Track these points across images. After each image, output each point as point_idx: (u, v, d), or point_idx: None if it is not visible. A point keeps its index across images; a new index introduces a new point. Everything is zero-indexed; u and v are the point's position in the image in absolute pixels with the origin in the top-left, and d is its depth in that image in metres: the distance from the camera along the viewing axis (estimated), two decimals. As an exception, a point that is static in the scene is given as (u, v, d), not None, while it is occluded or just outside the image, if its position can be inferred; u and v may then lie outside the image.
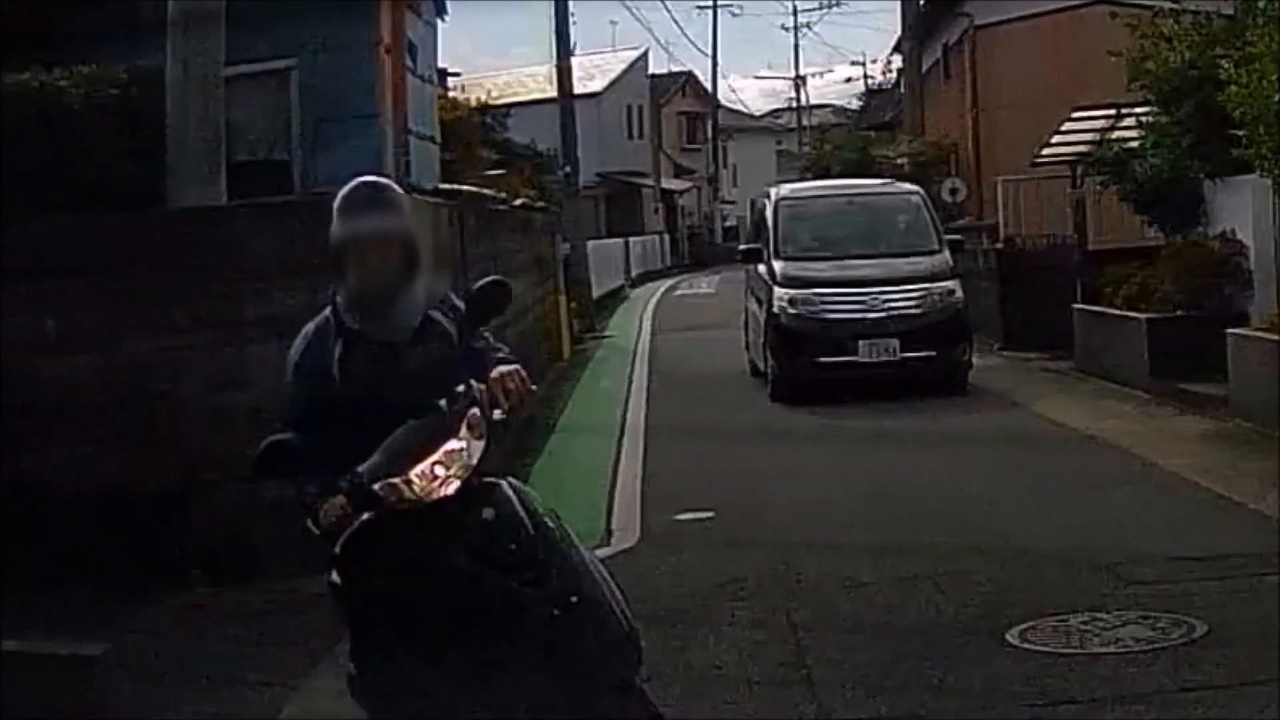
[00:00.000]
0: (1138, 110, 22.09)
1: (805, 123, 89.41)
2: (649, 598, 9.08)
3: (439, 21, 25.53)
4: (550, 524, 5.76)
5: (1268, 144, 15.68)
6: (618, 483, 15.01)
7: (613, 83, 74.36)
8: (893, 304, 20.39)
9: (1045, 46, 33.78)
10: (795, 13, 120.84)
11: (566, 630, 5.50)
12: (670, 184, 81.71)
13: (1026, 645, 8.58)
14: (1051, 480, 13.97)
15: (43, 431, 10.90)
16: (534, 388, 5.98)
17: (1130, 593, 9.48)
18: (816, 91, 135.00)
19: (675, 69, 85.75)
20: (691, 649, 8.73)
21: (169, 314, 11.17)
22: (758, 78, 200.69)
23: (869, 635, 9.10)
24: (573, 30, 39.81)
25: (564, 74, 39.43)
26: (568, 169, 40.03)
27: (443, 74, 34.32)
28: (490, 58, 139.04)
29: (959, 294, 20.92)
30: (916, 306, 20.43)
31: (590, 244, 42.82)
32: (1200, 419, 16.90)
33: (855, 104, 78.04)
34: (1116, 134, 23.43)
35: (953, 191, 34.55)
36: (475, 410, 5.65)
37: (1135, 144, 22.20)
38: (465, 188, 21.77)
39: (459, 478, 5.58)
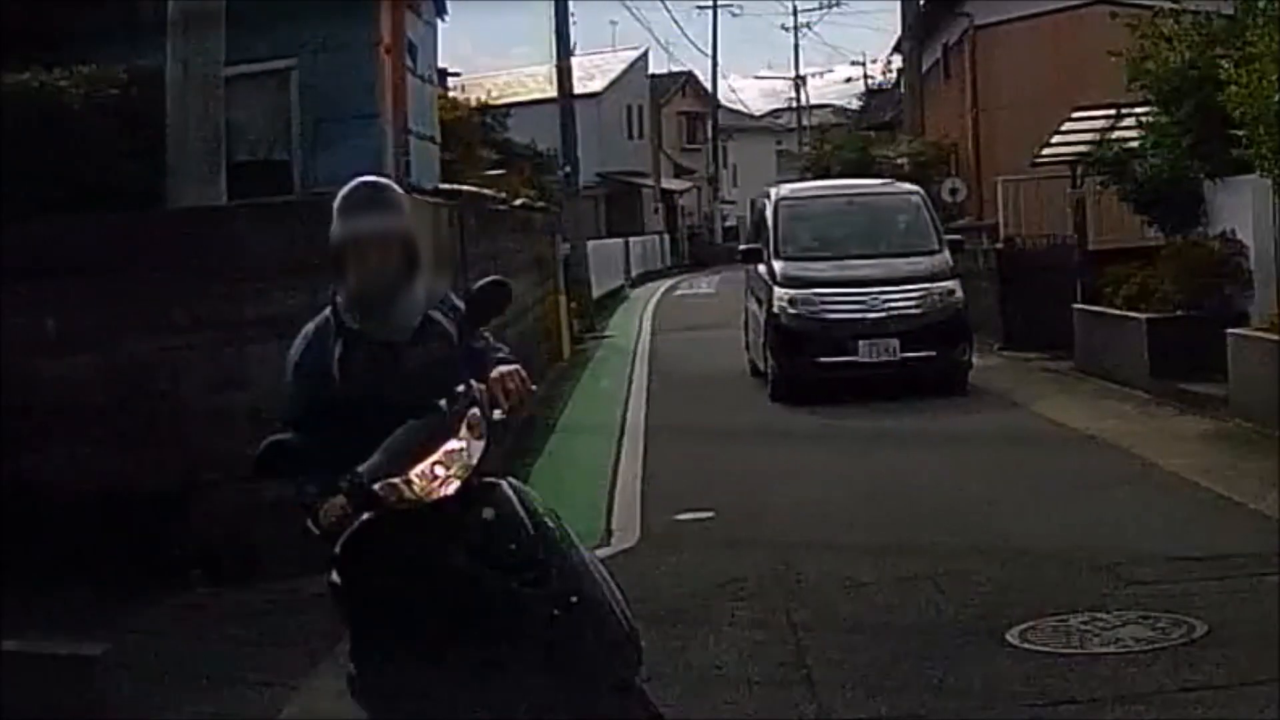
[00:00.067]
0: (1138, 110, 22.11)
1: (805, 123, 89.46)
2: (649, 598, 9.08)
3: (439, 21, 25.54)
4: (550, 524, 5.76)
5: (1268, 144, 15.69)
6: (618, 483, 15.01)
7: (613, 83, 74.40)
8: (893, 304, 20.38)
9: (1045, 46, 33.80)
10: (795, 13, 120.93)
11: (566, 630, 5.50)
12: (670, 184, 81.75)
13: (1026, 645, 8.58)
14: (1051, 480, 13.98)
15: (43, 431, 10.90)
16: (534, 388, 5.99)
17: (1130, 593, 9.48)
18: (816, 91, 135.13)
19: (675, 69, 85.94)
20: (691, 649, 8.74)
21: (169, 314, 11.18)
22: (758, 78, 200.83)
23: (869, 635, 9.10)
24: (573, 30, 39.89)
25: (564, 74, 39.46)
26: (568, 169, 40.05)
27: (443, 74, 34.34)
28: (490, 58, 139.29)
29: (959, 294, 20.91)
30: (916, 306, 20.42)
31: (590, 244, 42.84)
32: (1200, 419, 16.91)
33: (855, 104, 78.12)
34: (1116, 134, 23.45)
35: (953, 191, 34.57)
36: (475, 410, 5.65)
37: (1135, 144, 22.21)
38: (465, 188, 21.78)
39: (459, 478, 5.58)
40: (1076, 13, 32.66)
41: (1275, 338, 15.76)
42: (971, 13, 37.48)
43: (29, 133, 12.54)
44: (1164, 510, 12.42)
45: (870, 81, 77.29)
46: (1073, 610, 9.08)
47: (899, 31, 44.25)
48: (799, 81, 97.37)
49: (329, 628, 9.12)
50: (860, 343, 20.17)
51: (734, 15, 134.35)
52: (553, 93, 41.08)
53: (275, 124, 18.02)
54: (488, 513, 5.64)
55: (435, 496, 5.55)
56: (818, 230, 22.26)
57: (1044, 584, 9.91)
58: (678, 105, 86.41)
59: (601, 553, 9.89)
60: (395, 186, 6.02)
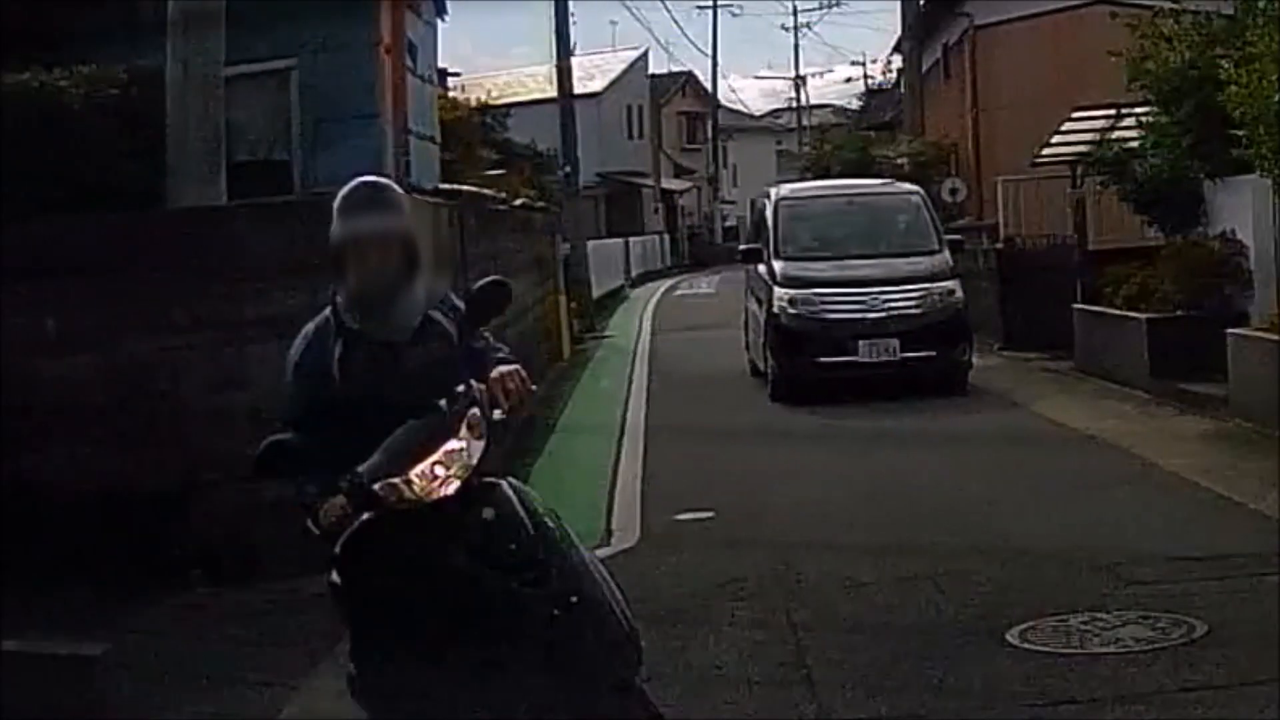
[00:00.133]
0: (1138, 110, 22.13)
1: (805, 123, 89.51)
2: (649, 598, 9.09)
3: (439, 21, 25.56)
4: (550, 524, 5.77)
5: (1268, 144, 15.71)
6: (618, 483, 15.02)
7: (613, 83, 74.47)
8: (893, 304, 20.39)
9: (1045, 46, 33.83)
10: (795, 13, 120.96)
11: (566, 630, 5.50)
12: (670, 184, 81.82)
13: (1026, 645, 8.59)
14: (1052, 480, 13.99)
15: (43, 431, 10.90)
16: (534, 388, 5.99)
17: (1130, 593, 9.49)
18: (816, 91, 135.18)
19: (675, 69, 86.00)
20: (691, 649, 8.74)
21: (169, 314, 11.19)
22: (758, 78, 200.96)
23: (869, 635, 9.11)
24: (573, 30, 39.93)
25: (564, 74, 39.49)
26: (568, 169, 40.09)
27: (442, 74, 34.37)
28: (490, 58, 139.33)
29: (959, 294, 20.92)
30: (916, 306, 20.43)
31: (590, 244, 42.88)
32: (1200, 419, 16.93)
33: (855, 104, 78.17)
34: (1116, 134, 23.47)
35: (953, 191, 34.60)
36: (475, 410, 5.66)
37: (1135, 144, 22.23)
38: (465, 188, 21.79)
39: (459, 478, 5.59)
40: (1076, 13, 32.69)
41: (1275, 338, 15.78)
42: (971, 13, 37.51)
43: (29, 133, 12.56)
44: (1164, 510, 12.43)
45: (870, 81, 77.37)
46: (1073, 610, 9.09)
47: (899, 31, 44.29)
48: (799, 81, 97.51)
49: (329, 628, 9.13)
50: (860, 343, 20.17)
51: (734, 15, 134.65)
52: (552, 93, 41.11)
53: (275, 124, 18.03)
54: (488, 513, 5.65)
55: (435, 496, 5.55)
56: (818, 230, 22.27)
57: (1044, 584, 9.92)
58: (678, 105, 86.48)
59: (601, 553, 9.90)
60: (395, 186, 6.02)
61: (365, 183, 5.93)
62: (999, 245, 28.30)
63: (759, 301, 22.03)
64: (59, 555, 10.11)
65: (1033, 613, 9.04)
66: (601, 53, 76.29)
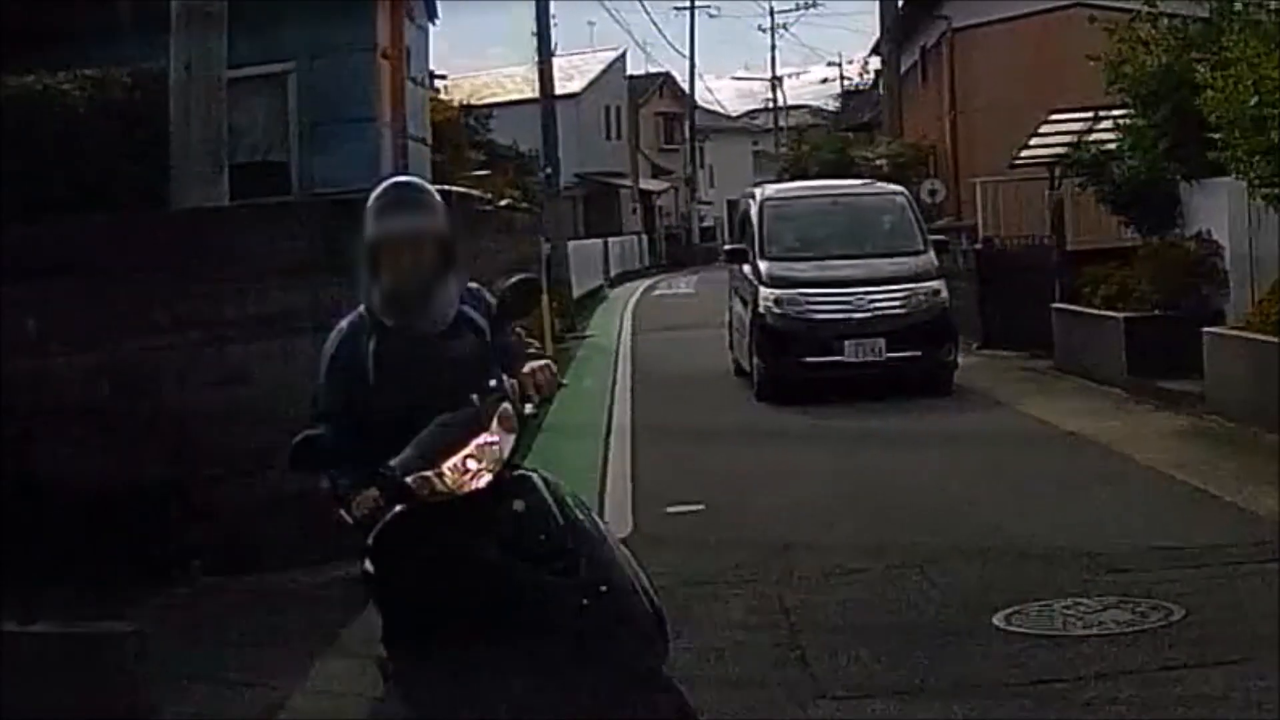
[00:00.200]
0: (1115, 113, 22.29)
1: (782, 124, 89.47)
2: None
3: (430, 25, 25.67)
4: (580, 515, 5.83)
5: (1243, 147, 15.84)
6: (607, 481, 15.07)
7: (591, 83, 74.42)
8: (878, 304, 20.43)
9: (1023, 49, 33.86)
10: (772, 14, 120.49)
11: (596, 620, 5.55)
12: (648, 184, 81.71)
13: (1012, 628, 8.87)
14: (1034, 476, 14.18)
15: (47, 428, 10.97)
16: (564, 383, 6.15)
17: (1111, 580, 9.77)
18: (793, 92, 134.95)
19: (653, 70, 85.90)
20: (688, 632, 8.70)
21: (172, 313, 11.32)
22: (734, 78, 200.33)
23: (860, 619, 9.40)
24: (553, 31, 40.01)
25: (546, 76, 39.57)
26: (549, 170, 40.12)
27: (432, 76, 34.49)
28: (467, 59, 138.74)
29: (944, 294, 20.97)
30: (902, 307, 20.48)
31: (570, 244, 42.96)
32: (1177, 416, 17.10)
33: (831, 105, 78.36)
34: (1094, 136, 23.60)
35: (931, 193, 34.64)
36: (507, 404, 5.73)
37: (1113, 146, 22.35)
38: (455, 189, 21.95)
39: (491, 471, 5.66)
40: (1054, 16, 32.70)
41: (1250, 336, 16.02)
42: (950, 15, 37.56)
43: (33, 135, 12.70)
44: (1143, 504, 12.65)
45: (847, 83, 77.60)
46: (1056, 596, 9.38)
47: (876, 33, 44.38)
48: (775, 82, 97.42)
49: (329, 621, 9.43)
50: (846, 343, 20.19)
51: (711, 16, 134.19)
52: (530, 93, 41.20)
53: (274, 127, 18.13)
54: (518, 504, 5.72)
55: (467, 489, 5.62)
56: (803, 231, 22.26)
57: (1028, 572, 10.17)
58: (655, 106, 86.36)
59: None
60: (429, 187, 6.15)
61: (398, 183, 6.08)
62: (978, 246, 28.35)
63: (744, 302, 22.02)
64: (60, 549, 10.11)
65: (1018, 599, 9.30)
66: (580, 53, 76.04)
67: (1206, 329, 17.27)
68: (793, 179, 36.59)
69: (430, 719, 5.69)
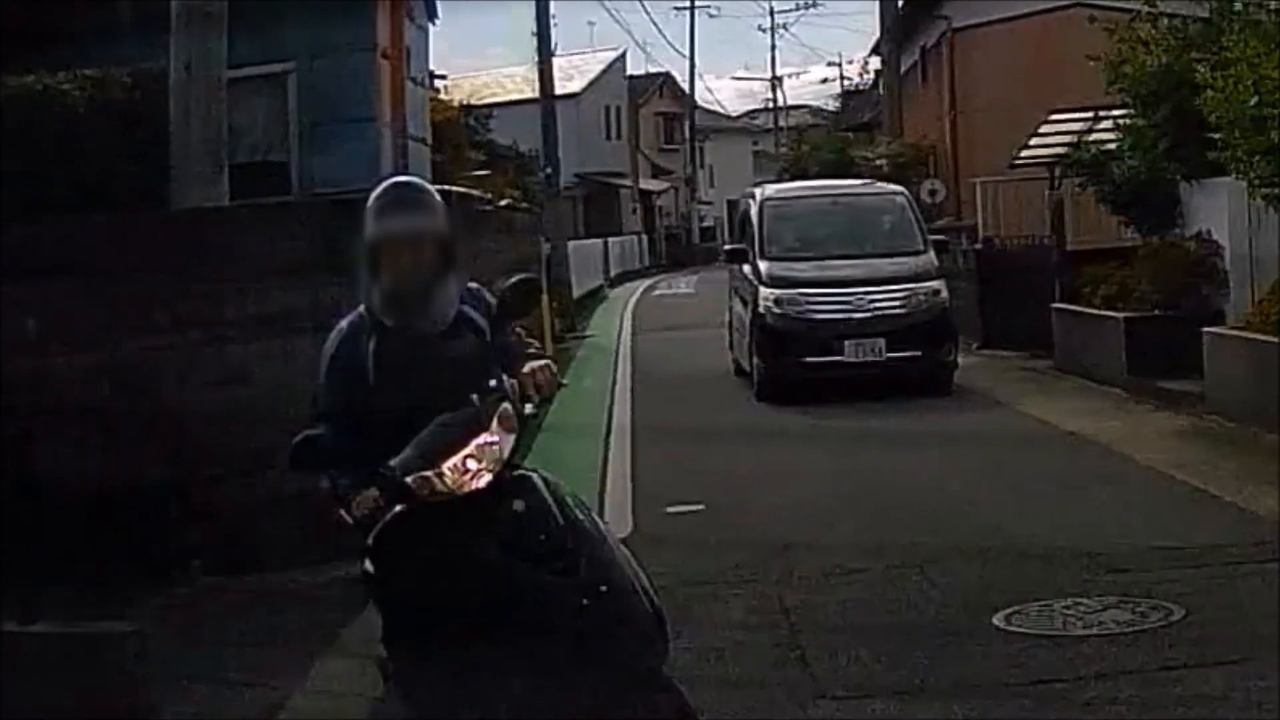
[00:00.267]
0: (1115, 113, 22.30)
1: (782, 123, 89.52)
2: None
3: (430, 25, 25.68)
4: (580, 515, 5.84)
5: (1243, 147, 15.85)
6: (607, 480, 15.06)
7: (591, 83, 74.46)
8: (878, 304, 20.42)
9: (1023, 49, 33.87)
10: (772, 14, 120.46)
11: (596, 620, 5.56)
12: (648, 184, 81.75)
13: (1012, 628, 8.89)
14: (1034, 476, 14.19)
15: (47, 428, 10.96)
16: (564, 383, 6.15)
17: (1111, 580, 9.78)
18: (793, 92, 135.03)
19: (653, 70, 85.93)
20: (688, 631, 8.75)
21: (172, 313, 11.32)
22: (734, 78, 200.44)
23: (860, 618, 9.41)
24: (553, 31, 40.02)
25: (546, 76, 39.57)
26: (549, 170, 40.12)
27: (432, 76, 34.52)
28: (467, 59, 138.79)
29: (944, 294, 20.97)
30: (902, 306, 20.48)
31: (570, 244, 42.97)
32: (1177, 416, 17.11)
33: (831, 105, 78.41)
34: (1094, 136, 23.61)
35: (931, 193, 34.65)
36: (507, 404, 5.74)
37: (1113, 146, 22.35)
38: (456, 189, 21.97)
39: (491, 471, 5.67)
40: (1054, 16, 32.73)
41: (1250, 336, 16.04)
42: (950, 15, 37.57)
43: (33, 135, 12.71)
44: (1143, 504, 12.66)
45: (847, 83, 77.64)
46: (1056, 596, 9.39)
47: (876, 33, 44.40)
48: (775, 82, 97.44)
49: (328, 621, 9.43)
50: (846, 343, 20.19)
51: (711, 16, 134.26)
52: (530, 93, 41.21)
53: (274, 127, 18.14)
54: (518, 504, 5.72)
55: (467, 489, 5.63)
56: (803, 231, 22.26)
57: (1028, 572, 10.18)
58: (655, 106, 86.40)
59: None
60: (429, 187, 6.15)
61: (398, 183, 6.08)
62: (978, 246, 28.36)
63: (744, 302, 22.03)
64: (60, 549, 10.11)
65: (1018, 599, 9.32)
66: (580, 53, 76.11)
67: (1206, 329, 17.29)
68: (793, 179, 36.58)
69: (430, 719, 5.69)
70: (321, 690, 8.44)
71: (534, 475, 5.89)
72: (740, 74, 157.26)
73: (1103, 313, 20.76)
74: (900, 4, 41.36)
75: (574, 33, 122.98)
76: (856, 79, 73.13)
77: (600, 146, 73.72)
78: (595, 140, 72.76)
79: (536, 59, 40.43)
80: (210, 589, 10.67)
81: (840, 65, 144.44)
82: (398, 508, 5.63)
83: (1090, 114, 23.81)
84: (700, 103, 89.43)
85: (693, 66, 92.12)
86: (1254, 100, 15.52)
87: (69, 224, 11.82)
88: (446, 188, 21.11)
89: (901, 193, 23.85)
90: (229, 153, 13.33)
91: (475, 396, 5.71)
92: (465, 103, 42.52)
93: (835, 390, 19.60)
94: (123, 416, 11.13)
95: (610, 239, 63.35)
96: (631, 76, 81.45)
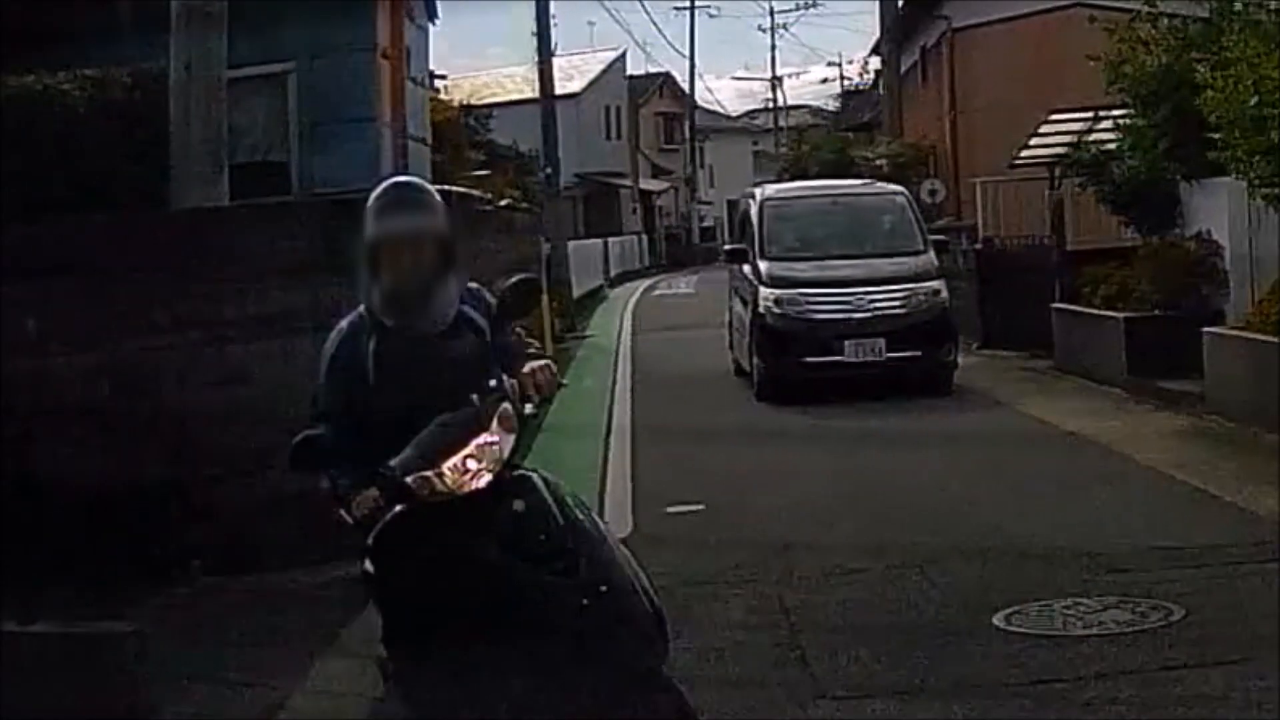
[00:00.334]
0: (1115, 113, 22.30)
1: (781, 123, 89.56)
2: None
3: (430, 25, 25.70)
4: (580, 515, 5.85)
5: (1243, 147, 15.86)
6: (607, 480, 15.06)
7: (591, 83, 74.51)
8: (878, 304, 20.43)
9: (1023, 49, 33.90)
10: (772, 14, 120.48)
11: (596, 620, 5.56)
12: (648, 184, 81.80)
13: (1012, 628, 8.89)
14: (1034, 476, 14.20)
15: (47, 428, 10.98)
16: (565, 383, 6.15)
17: (1111, 580, 9.79)
18: (793, 92, 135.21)
19: (653, 70, 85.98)
20: (688, 632, 8.77)
21: (172, 313, 11.33)
22: (734, 78, 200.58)
23: (859, 618, 9.42)
24: (553, 31, 40.03)
25: (546, 76, 39.59)
26: (549, 170, 40.14)
27: (432, 76, 34.54)
28: (467, 59, 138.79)
29: (944, 294, 20.98)
30: (902, 306, 20.48)
31: (570, 244, 42.99)
32: (1177, 416, 17.12)
33: (831, 105, 78.45)
34: (1094, 136, 23.61)
35: (931, 192, 34.67)
36: (507, 404, 5.74)
37: (1113, 146, 22.37)
38: (455, 189, 21.98)
39: (491, 471, 5.67)
40: (1054, 16, 32.77)
41: (1250, 336, 16.05)
42: (950, 15, 37.59)
43: (33, 135, 12.72)
44: (1143, 504, 12.67)
45: (847, 83, 77.69)
46: (1056, 596, 9.40)
47: (876, 33, 44.42)
48: (775, 82, 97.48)
49: (328, 621, 9.44)
50: (846, 343, 20.20)
51: (711, 16, 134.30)
52: (530, 93, 41.22)
53: (274, 127, 18.15)
54: (518, 504, 5.73)
55: (467, 489, 5.63)
56: (803, 231, 22.27)
57: (1028, 572, 10.19)
58: (655, 106, 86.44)
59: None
60: (429, 187, 6.16)
61: (398, 183, 6.09)
62: (978, 246, 28.36)
63: (744, 302, 22.04)
64: (60, 549, 10.12)
65: (1018, 599, 9.32)
66: (580, 53, 76.18)
67: (1206, 329, 17.30)
68: (793, 179, 36.60)
69: (430, 719, 5.69)
70: (321, 690, 8.44)
71: (534, 475, 5.89)
72: (740, 74, 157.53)
73: (1103, 313, 20.77)
74: (900, 4, 41.39)
75: (574, 33, 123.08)
76: (856, 79, 73.24)
77: (600, 146, 73.77)
78: (595, 140, 72.80)
79: (536, 59, 40.45)
80: (210, 589, 10.68)
81: (840, 65, 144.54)
82: (398, 508, 5.62)
83: (1090, 114, 23.81)
84: (700, 103, 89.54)
85: (693, 66, 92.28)
86: (1254, 100, 15.53)
87: (69, 224, 11.81)
88: (446, 188, 21.17)
89: (901, 193, 23.85)
90: (229, 153, 13.32)
91: (475, 396, 5.72)
92: (465, 103, 42.51)
93: (835, 390, 19.60)
94: (123, 416, 11.14)
95: (610, 239, 63.38)
96: (631, 76, 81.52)
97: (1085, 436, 16.29)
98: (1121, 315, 20.06)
